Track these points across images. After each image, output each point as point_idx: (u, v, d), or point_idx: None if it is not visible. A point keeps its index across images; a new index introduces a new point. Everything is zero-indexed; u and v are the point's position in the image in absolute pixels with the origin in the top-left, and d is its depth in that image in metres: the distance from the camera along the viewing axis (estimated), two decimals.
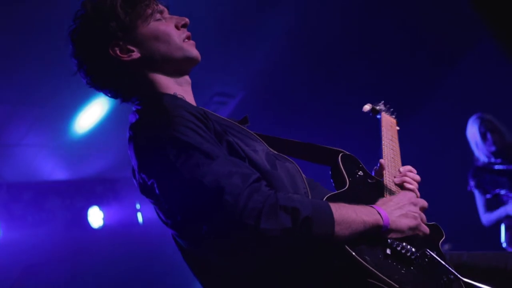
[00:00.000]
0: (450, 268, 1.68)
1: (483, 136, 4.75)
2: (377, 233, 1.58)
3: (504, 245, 4.58)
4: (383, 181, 1.91)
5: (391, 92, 5.82)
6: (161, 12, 1.91)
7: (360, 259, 1.49)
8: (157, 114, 1.67)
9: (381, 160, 2.03)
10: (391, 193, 1.87)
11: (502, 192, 4.61)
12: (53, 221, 5.95)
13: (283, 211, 1.47)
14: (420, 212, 1.73)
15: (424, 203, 1.80)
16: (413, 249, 1.62)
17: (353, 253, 1.49)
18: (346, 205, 1.59)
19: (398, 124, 2.34)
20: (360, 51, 5.71)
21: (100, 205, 6.25)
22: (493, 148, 4.71)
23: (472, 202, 4.86)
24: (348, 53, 5.63)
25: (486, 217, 4.73)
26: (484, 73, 5.94)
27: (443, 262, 1.69)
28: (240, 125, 1.89)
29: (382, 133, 2.18)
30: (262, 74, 5.55)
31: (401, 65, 5.86)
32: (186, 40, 1.89)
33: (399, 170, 1.99)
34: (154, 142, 1.61)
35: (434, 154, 6.38)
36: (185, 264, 1.82)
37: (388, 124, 2.27)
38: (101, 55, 1.83)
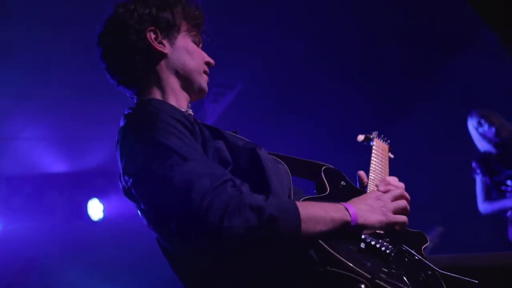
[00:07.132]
0: (428, 263, 1.68)
1: (485, 128, 4.74)
2: (348, 229, 1.59)
3: None
4: (366, 190, 1.93)
5: (389, 88, 5.82)
6: (198, 41, 2.04)
7: (333, 252, 1.51)
8: (142, 119, 1.75)
9: (360, 172, 2.05)
10: None
11: (509, 183, 4.59)
12: (53, 214, 5.95)
13: (248, 209, 1.50)
14: (388, 204, 1.71)
15: (396, 192, 1.77)
16: (389, 244, 1.62)
17: (327, 247, 1.51)
18: (315, 203, 1.63)
19: (391, 151, 2.34)
20: (360, 46, 5.69)
21: (100, 197, 6.24)
22: (496, 140, 4.71)
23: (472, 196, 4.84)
24: (349, 48, 5.61)
25: (485, 206, 4.71)
26: (482, 68, 5.88)
27: (420, 257, 1.70)
28: (232, 133, 1.94)
29: (373, 154, 2.19)
30: (262, 66, 5.53)
31: (399, 60, 5.83)
32: (204, 73, 2.02)
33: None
34: (136, 146, 1.68)
35: (434, 149, 6.31)
36: None
37: (380, 148, 2.28)
38: (135, 31, 1.89)
